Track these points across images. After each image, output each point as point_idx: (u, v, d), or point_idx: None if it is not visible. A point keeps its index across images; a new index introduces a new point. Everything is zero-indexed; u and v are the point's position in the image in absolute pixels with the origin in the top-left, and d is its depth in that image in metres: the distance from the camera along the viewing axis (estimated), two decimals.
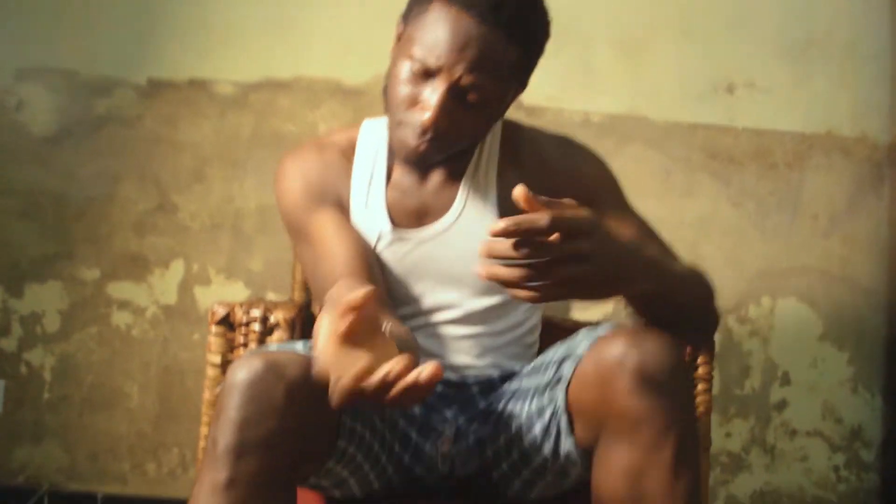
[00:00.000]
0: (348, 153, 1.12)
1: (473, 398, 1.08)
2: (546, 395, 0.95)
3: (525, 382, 1.02)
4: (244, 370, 0.79)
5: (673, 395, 0.82)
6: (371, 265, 1.00)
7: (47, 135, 1.74)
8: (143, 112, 1.75)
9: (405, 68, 0.98)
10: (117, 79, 1.75)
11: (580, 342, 0.93)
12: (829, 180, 1.88)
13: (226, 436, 0.78)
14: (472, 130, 1.03)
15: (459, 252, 1.07)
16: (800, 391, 1.86)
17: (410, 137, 0.99)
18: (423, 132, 0.98)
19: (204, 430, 1.16)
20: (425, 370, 0.65)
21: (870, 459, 1.88)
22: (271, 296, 1.74)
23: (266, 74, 1.77)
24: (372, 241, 1.07)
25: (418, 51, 0.96)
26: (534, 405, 0.97)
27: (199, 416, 1.15)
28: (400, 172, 1.10)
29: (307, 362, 0.82)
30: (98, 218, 1.74)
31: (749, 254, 1.84)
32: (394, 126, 1.02)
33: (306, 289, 1.49)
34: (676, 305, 0.89)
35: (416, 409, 1.06)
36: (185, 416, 1.73)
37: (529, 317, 1.15)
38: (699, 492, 0.87)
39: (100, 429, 1.73)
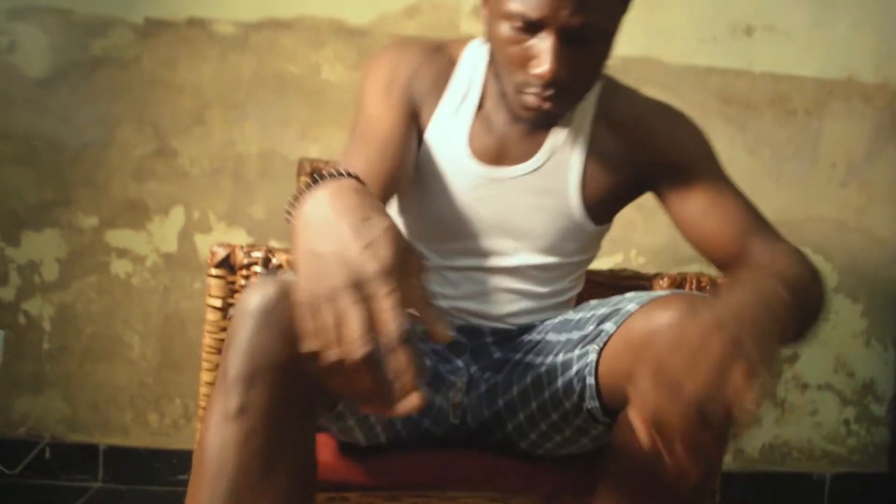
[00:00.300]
0: (452, 69, 1.05)
1: (487, 347, 1.05)
2: (577, 350, 0.92)
3: (551, 336, 0.99)
4: (257, 296, 0.75)
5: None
6: (394, 177, 0.94)
7: (41, 77, 1.68)
8: (141, 53, 1.69)
9: (505, 29, 0.91)
10: (113, 18, 1.68)
11: (628, 302, 0.89)
12: (848, 128, 1.83)
13: (237, 363, 0.73)
14: (593, 72, 0.96)
15: (529, 203, 1.01)
16: (812, 344, 1.83)
17: (532, 99, 0.92)
18: (545, 88, 0.91)
19: (205, 377, 1.13)
20: (409, 404, 0.60)
21: (881, 413, 1.86)
22: (274, 244, 1.70)
23: (267, 14, 1.70)
24: (443, 165, 1.01)
25: (514, 6, 0.89)
26: (560, 358, 0.94)
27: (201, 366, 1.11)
28: (492, 106, 1.02)
29: None
30: (95, 163, 1.69)
31: (764, 203, 1.74)
32: (513, 91, 0.94)
33: None
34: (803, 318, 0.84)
35: (427, 362, 1.03)
36: (188, 366, 1.70)
37: (574, 286, 1.10)
38: (715, 474, 0.85)
39: (101, 379, 1.71)
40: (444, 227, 1.03)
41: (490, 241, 1.03)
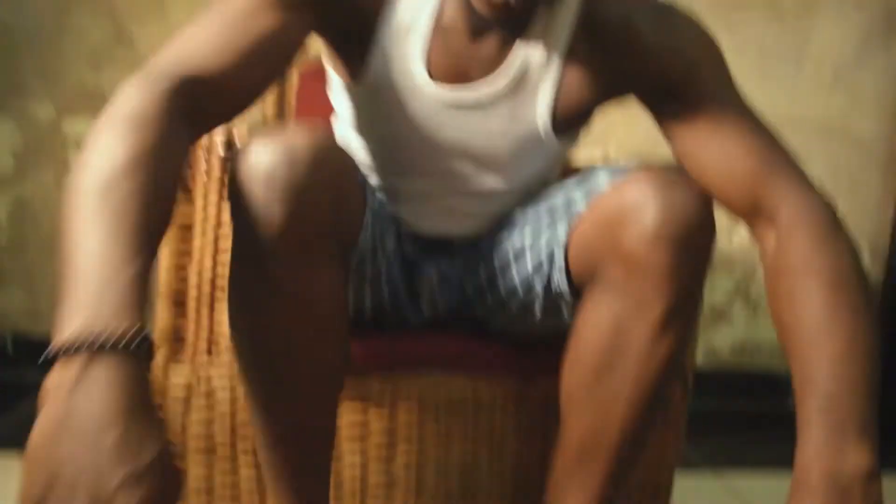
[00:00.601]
0: None
1: (457, 247, 1.01)
2: (546, 228, 0.88)
3: (518, 216, 0.95)
4: (265, 164, 0.68)
5: (684, 253, 0.75)
6: (253, 78, 0.74)
7: None
8: None
9: None
10: None
11: (599, 178, 0.85)
12: (838, 31, 1.78)
13: (266, 237, 0.69)
14: None
15: (493, 129, 0.89)
16: None
17: None
18: None
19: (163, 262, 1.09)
20: None
21: None
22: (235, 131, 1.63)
23: None
24: (398, 86, 0.87)
25: None
26: (527, 238, 0.90)
27: None
28: (452, 16, 0.86)
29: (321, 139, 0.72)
30: (49, 50, 1.60)
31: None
32: None
33: (279, 121, 1.39)
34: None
35: (409, 247, 0.99)
36: None
37: (544, 188, 1.01)
38: (683, 358, 0.82)
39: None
40: (401, 152, 0.93)
41: (451, 165, 0.92)
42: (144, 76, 0.65)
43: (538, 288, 0.89)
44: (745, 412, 1.73)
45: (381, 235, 0.88)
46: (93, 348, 0.47)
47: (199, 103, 0.68)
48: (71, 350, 0.47)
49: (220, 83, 0.70)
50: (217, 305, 0.96)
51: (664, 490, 1.11)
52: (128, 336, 0.48)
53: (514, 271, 0.91)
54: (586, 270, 0.83)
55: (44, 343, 1.58)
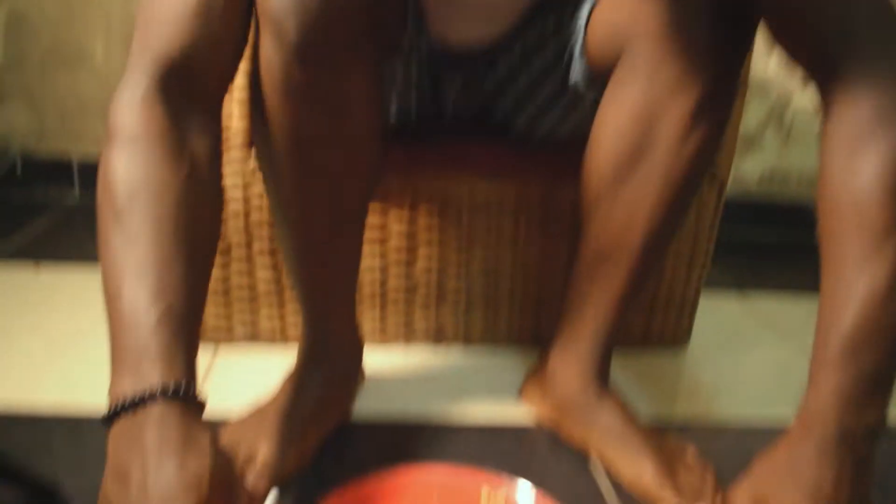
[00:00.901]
0: None
1: (479, 51, 0.93)
2: (570, 14, 0.80)
3: (543, 7, 0.86)
4: None
5: (725, 30, 0.66)
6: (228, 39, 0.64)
7: None
8: None
9: None
10: None
11: None
12: None
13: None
14: None
15: None
16: None
17: None
18: None
19: None
20: None
21: None
22: None
23: None
24: None
25: None
26: (550, 26, 0.82)
27: None
28: None
29: None
30: None
31: None
32: None
33: None
34: None
35: (433, 53, 0.91)
36: None
37: None
38: (713, 155, 0.74)
39: (66, 89, 1.59)
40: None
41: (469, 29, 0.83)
42: (129, 84, 0.59)
43: (559, 79, 0.82)
44: (771, 241, 1.70)
45: (417, 38, 0.80)
46: (125, 410, 0.51)
47: (193, 85, 0.61)
48: (111, 416, 0.51)
49: (200, 56, 0.61)
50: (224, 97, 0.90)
51: (689, 305, 1.10)
52: (149, 391, 0.50)
53: (534, 61, 0.84)
54: (611, 55, 0.74)
55: (50, 162, 1.53)
